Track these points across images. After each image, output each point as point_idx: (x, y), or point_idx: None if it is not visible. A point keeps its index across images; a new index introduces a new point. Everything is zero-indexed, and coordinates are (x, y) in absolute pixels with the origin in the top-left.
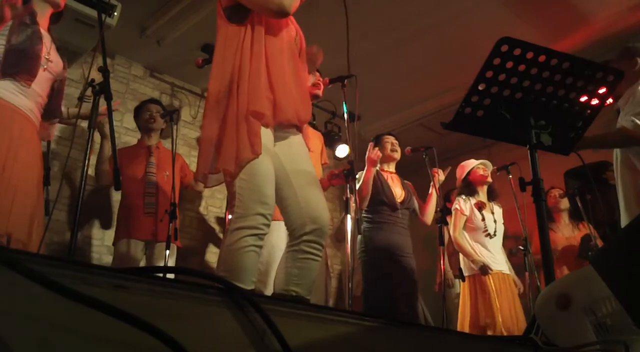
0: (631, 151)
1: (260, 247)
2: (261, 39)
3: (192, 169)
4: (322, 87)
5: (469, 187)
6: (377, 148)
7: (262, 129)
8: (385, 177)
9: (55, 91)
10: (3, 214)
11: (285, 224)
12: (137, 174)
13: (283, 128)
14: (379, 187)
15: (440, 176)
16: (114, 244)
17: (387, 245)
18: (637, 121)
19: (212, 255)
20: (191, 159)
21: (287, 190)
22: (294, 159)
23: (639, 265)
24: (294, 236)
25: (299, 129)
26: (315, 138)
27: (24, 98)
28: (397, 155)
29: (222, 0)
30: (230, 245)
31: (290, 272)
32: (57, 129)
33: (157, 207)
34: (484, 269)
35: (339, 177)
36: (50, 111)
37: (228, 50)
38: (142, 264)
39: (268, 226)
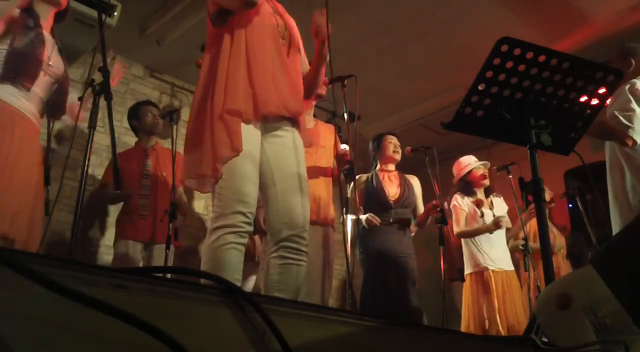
0: (620, 151)
1: (243, 245)
2: (241, 39)
3: None
4: (325, 87)
5: (467, 187)
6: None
7: (245, 126)
8: (382, 177)
9: (56, 91)
10: (4, 216)
11: (267, 228)
12: (134, 176)
13: (272, 121)
14: (371, 189)
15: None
16: (113, 244)
17: (382, 248)
18: (617, 114)
19: None
20: None
21: (270, 193)
22: (282, 161)
23: (639, 265)
24: (273, 241)
25: (294, 123)
26: (327, 132)
27: (25, 101)
28: (399, 156)
29: (209, 8)
30: (211, 244)
31: (272, 279)
32: (68, 120)
33: (156, 209)
34: (497, 223)
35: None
36: (54, 109)
37: (207, 55)
38: (141, 265)
39: (249, 224)
